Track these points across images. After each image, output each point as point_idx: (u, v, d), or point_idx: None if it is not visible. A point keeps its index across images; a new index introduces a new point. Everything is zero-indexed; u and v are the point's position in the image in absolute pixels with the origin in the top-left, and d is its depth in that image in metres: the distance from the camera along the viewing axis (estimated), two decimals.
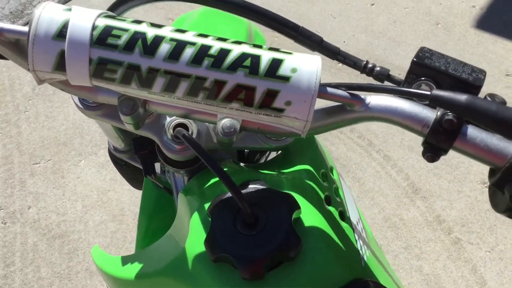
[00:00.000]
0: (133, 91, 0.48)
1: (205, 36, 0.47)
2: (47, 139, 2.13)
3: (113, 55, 0.45)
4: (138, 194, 1.94)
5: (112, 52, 0.45)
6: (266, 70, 0.46)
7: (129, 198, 1.93)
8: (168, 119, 0.62)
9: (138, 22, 0.47)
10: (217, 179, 0.61)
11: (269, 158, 0.79)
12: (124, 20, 0.47)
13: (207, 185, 0.61)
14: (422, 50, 0.53)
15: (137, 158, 0.81)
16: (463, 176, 2.08)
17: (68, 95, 1.77)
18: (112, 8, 0.58)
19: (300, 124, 0.48)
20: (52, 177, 2.00)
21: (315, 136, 0.70)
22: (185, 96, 0.47)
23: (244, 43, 0.48)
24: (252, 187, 0.55)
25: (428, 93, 0.45)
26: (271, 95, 0.46)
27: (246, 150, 0.87)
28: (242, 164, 0.68)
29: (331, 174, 0.69)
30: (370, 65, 0.57)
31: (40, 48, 0.45)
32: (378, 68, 0.56)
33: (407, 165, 2.11)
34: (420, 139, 0.49)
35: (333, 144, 2.20)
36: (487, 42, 2.76)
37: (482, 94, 0.49)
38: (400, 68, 2.56)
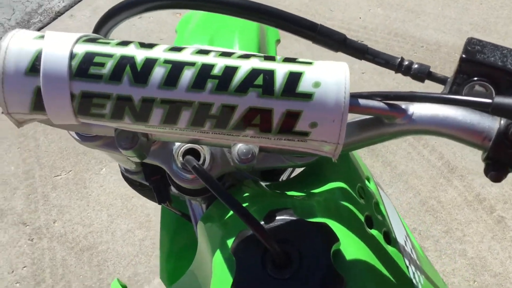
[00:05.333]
0: (128, 125, 0.40)
1: (206, 52, 0.39)
2: (66, 150, 2.08)
3: (98, 87, 0.38)
4: None
5: (96, 84, 0.38)
6: (283, 88, 0.38)
7: (153, 204, 1.87)
8: (177, 144, 0.55)
9: (125, 43, 0.39)
10: None
11: (294, 172, 0.71)
12: (108, 43, 0.39)
13: (228, 215, 0.53)
14: (470, 43, 0.44)
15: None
16: None
17: None
18: (96, 29, 0.51)
19: (331, 148, 0.40)
20: (74, 188, 1.96)
21: None
22: (189, 127, 0.39)
23: (253, 55, 0.40)
24: (280, 219, 0.47)
25: (489, 101, 0.36)
26: (292, 117, 0.38)
27: None
28: (264, 183, 0.60)
29: (368, 186, 0.61)
30: (406, 63, 0.48)
31: (12, 87, 0.38)
32: (416, 66, 0.47)
33: (440, 142, 2.00)
34: None
35: None
36: None
37: None
38: (422, 40, 2.44)
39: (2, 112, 0.40)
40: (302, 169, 0.62)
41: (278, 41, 1.01)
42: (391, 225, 0.58)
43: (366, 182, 0.61)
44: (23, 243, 1.81)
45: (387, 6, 2.65)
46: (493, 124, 0.39)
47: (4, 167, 2.05)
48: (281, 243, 0.43)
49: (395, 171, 1.94)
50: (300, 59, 0.40)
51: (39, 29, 2.64)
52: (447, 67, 2.30)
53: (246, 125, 0.39)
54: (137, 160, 0.50)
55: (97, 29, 0.53)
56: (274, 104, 0.38)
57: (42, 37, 0.39)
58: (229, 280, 0.45)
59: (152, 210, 1.87)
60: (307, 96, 0.37)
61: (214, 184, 0.46)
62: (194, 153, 0.54)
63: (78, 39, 0.39)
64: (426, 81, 0.49)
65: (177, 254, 0.85)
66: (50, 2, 2.79)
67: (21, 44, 0.38)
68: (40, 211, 1.90)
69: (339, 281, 0.42)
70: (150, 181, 0.65)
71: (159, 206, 1.95)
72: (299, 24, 0.48)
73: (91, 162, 2.04)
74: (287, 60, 0.39)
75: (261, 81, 0.38)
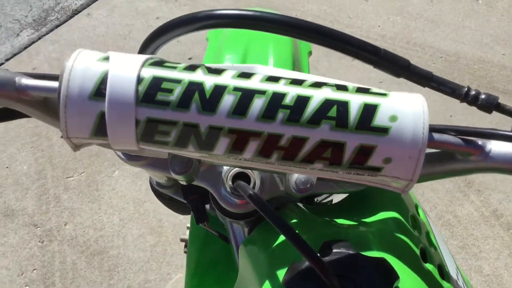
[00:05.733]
0: (189, 153, 0.38)
1: (276, 80, 0.37)
2: (78, 151, 2.07)
3: (165, 114, 0.36)
4: None
5: (163, 111, 0.36)
6: (358, 121, 0.36)
7: (166, 209, 1.84)
8: (225, 167, 0.53)
9: (192, 68, 0.37)
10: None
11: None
12: (175, 68, 0.37)
13: (276, 243, 0.51)
14: None
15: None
16: None
17: None
18: (142, 48, 0.48)
19: (402, 184, 0.38)
20: (86, 190, 1.95)
21: None
22: (255, 157, 0.37)
23: (324, 83, 0.37)
24: (337, 252, 0.44)
25: None
26: (365, 151, 0.36)
27: None
28: (304, 208, 0.58)
29: (418, 215, 0.58)
30: (473, 92, 0.45)
31: (75, 112, 0.36)
32: (483, 96, 0.45)
33: None
34: None
35: None
36: None
37: None
38: (441, 50, 2.41)
39: (61, 136, 0.38)
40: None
41: (310, 53, 0.99)
42: (443, 258, 0.56)
43: (417, 213, 0.58)
44: (33, 245, 1.80)
45: (406, 15, 2.61)
46: None
47: (17, 166, 2.04)
48: (339, 279, 0.41)
49: None
50: (374, 89, 0.38)
51: (56, 27, 2.63)
52: (466, 79, 2.26)
53: (315, 158, 0.37)
54: (185, 183, 0.48)
55: (143, 47, 0.51)
56: (347, 138, 0.36)
57: (107, 58, 0.37)
58: None
59: (164, 216, 1.85)
60: (383, 130, 0.35)
61: (271, 213, 0.44)
62: (244, 177, 0.52)
63: (144, 62, 0.37)
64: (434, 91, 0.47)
65: (204, 269, 0.83)
66: (68, 0, 2.78)
67: (86, 66, 0.36)
68: (51, 213, 1.89)
69: None
70: (188, 200, 0.63)
71: (172, 213, 1.93)
72: (361, 48, 0.45)
73: (104, 164, 2.02)
74: (360, 90, 0.37)
75: (334, 112, 0.36)
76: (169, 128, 0.36)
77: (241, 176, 0.52)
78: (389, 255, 0.46)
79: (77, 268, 1.73)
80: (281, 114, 0.36)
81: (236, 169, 0.52)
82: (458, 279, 0.56)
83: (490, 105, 0.44)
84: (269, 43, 0.86)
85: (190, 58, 2.39)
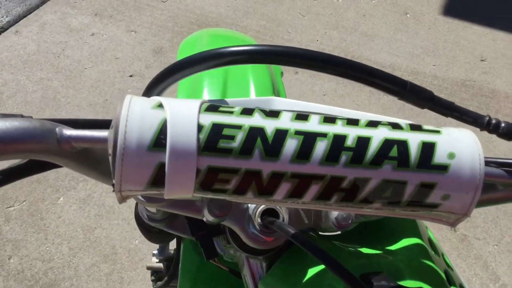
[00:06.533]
0: (246, 200, 0.37)
1: (333, 121, 0.36)
2: None
3: (227, 162, 0.34)
4: (128, 228, 1.80)
5: (225, 159, 0.34)
6: (418, 160, 0.36)
7: (119, 234, 1.79)
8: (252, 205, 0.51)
9: (248, 112, 0.36)
10: (307, 265, 0.50)
11: None
12: (231, 112, 0.36)
13: (301, 275, 0.50)
14: None
15: (178, 226, 0.69)
16: None
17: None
18: (148, 89, 0.47)
19: (454, 218, 0.38)
20: (30, 220, 1.83)
21: None
22: (314, 201, 0.36)
23: (379, 123, 0.37)
24: (378, 285, 0.44)
25: None
26: (425, 190, 0.36)
27: None
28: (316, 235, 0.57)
29: (432, 238, 0.59)
30: (493, 121, 0.48)
31: (132, 164, 0.33)
32: (503, 125, 0.48)
33: None
34: None
35: None
36: (458, 28, 2.75)
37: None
38: (377, 63, 2.50)
39: (113, 190, 0.35)
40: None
41: (282, 73, 1.00)
42: (461, 278, 0.57)
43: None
44: None
45: (342, 29, 2.70)
46: None
47: None
48: None
49: None
50: (426, 127, 0.38)
51: None
52: None
53: (375, 198, 0.36)
54: (214, 223, 0.46)
55: (148, 90, 0.49)
56: (409, 177, 0.36)
57: (161, 105, 0.35)
58: None
59: (117, 241, 1.78)
60: (443, 168, 0.36)
61: (316, 248, 0.42)
62: (271, 212, 0.50)
63: (200, 107, 0.35)
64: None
65: None
66: None
67: (142, 115, 0.34)
68: None
69: None
70: (197, 236, 0.61)
71: (125, 236, 1.86)
72: (389, 81, 0.46)
73: (47, 191, 1.91)
74: (414, 128, 0.38)
75: (395, 152, 0.36)
76: (230, 176, 0.35)
77: (269, 212, 0.51)
78: (423, 283, 0.47)
79: None
80: (344, 157, 0.35)
81: (263, 206, 0.51)
82: None
83: (511, 132, 0.47)
84: (247, 69, 0.85)
85: (131, 76, 2.32)
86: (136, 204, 0.74)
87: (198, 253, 0.80)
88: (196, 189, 0.35)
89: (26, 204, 1.87)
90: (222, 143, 0.34)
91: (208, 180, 0.35)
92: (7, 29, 2.57)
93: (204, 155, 0.34)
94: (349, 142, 0.35)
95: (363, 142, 0.35)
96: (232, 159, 0.34)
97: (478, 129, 0.49)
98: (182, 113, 0.34)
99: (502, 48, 2.67)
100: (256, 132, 0.35)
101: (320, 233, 0.69)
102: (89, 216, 1.85)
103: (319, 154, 0.35)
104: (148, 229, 0.79)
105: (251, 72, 0.85)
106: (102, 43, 2.50)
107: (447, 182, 0.36)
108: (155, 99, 0.36)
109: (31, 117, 0.38)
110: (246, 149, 0.34)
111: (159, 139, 0.33)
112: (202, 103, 0.36)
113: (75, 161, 0.40)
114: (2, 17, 2.61)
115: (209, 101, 0.38)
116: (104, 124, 0.42)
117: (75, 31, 2.57)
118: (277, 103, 0.58)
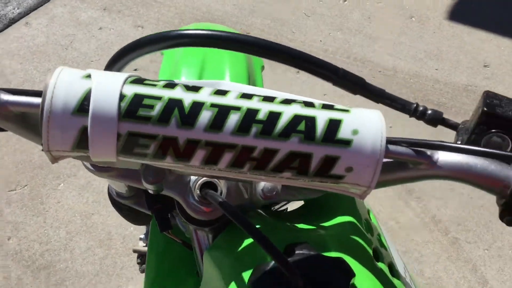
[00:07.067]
0: (166, 164, 0.41)
1: (249, 97, 0.40)
2: (21, 164, 2.00)
3: (146, 128, 0.39)
4: None
5: (144, 126, 0.38)
6: (324, 134, 0.39)
7: (115, 221, 1.83)
8: (193, 177, 0.55)
9: (171, 86, 0.40)
10: (248, 237, 0.54)
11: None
12: (155, 85, 0.40)
13: (240, 247, 0.54)
14: (488, 96, 0.47)
15: (143, 204, 0.73)
16: None
17: None
18: (109, 65, 0.51)
19: (361, 190, 0.42)
20: (30, 203, 1.88)
21: None
22: (228, 168, 0.41)
23: (294, 101, 0.41)
24: (299, 253, 0.48)
25: None
26: (329, 162, 0.40)
27: None
28: (265, 214, 0.61)
29: (371, 219, 0.63)
30: (421, 108, 0.51)
31: (57, 126, 0.38)
32: (430, 112, 0.51)
33: None
34: None
35: None
36: (462, 33, 2.76)
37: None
38: (379, 65, 2.53)
39: (42, 150, 0.39)
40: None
41: (262, 67, 1.03)
42: (393, 257, 0.61)
43: (369, 217, 0.63)
44: None
45: (346, 30, 2.73)
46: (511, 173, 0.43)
47: None
48: (302, 278, 0.44)
49: None
50: (337, 106, 0.42)
51: None
52: (404, 92, 2.39)
53: (284, 167, 0.40)
54: (154, 192, 0.50)
55: (111, 63, 0.52)
56: (314, 149, 0.39)
57: (89, 76, 0.39)
58: None
59: (113, 228, 1.82)
60: (346, 142, 0.40)
61: (241, 218, 0.47)
62: (211, 186, 0.54)
63: (126, 80, 0.39)
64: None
65: (163, 276, 0.84)
66: (4, 9, 2.69)
67: (69, 83, 0.38)
68: None
69: None
70: (153, 209, 0.65)
71: (121, 223, 1.90)
72: (321, 67, 0.49)
73: (48, 177, 1.97)
74: (325, 106, 0.41)
75: (303, 127, 0.39)
76: (149, 142, 0.39)
77: (208, 185, 0.54)
78: (346, 255, 0.51)
79: (23, 283, 1.67)
80: (254, 128, 0.39)
81: (204, 179, 0.54)
82: (406, 276, 0.62)
83: (436, 120, 0.50)
84: (224, 58, 0.89)
85: (135, 70, 2.37)
86: (109, 186, 0.79)
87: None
88: (119, 152, 0.39)
89: (27, 188, 1.93)
90: (142, 111, 0.38)
91: (129, 144, 0.39)
92: (18, 20, 2.64)
93: (125, 121, 0.38)
94: (261, 116, 0.39)
95: (273, 116, 0.39)
96: (150, 126, 0.38)
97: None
98: (107, 83, 0.39)
99: (506, 55, 2.68)
100: (174, 103, 0.39)
101: (273, 209, 0.72)
102: (88, 202, 1.90)
103: (231, 125, 0.39)
104: (119, 206, 0.83)
105: (228, 61, 0.88)
106: (109, 37, 2.56)
107: (350, 155, 0.40)
108: (86, 71, 0.40)
109: None
110: (163, 118, 0.38)
111: (83, 105, 0.38)
112: (128, 76, 0.40)
113: (15, 124, 0.44)
114: (14, 9, 2.69)
115: (139, 76, 0.42)
116: (40, 94, 0.46)
117: (84, 24, 2.63)
118: (224, 86, 0.61)
